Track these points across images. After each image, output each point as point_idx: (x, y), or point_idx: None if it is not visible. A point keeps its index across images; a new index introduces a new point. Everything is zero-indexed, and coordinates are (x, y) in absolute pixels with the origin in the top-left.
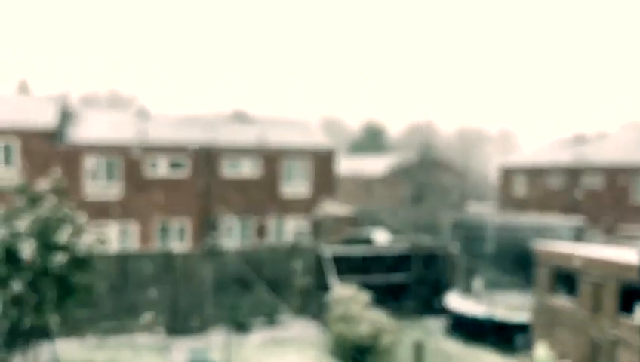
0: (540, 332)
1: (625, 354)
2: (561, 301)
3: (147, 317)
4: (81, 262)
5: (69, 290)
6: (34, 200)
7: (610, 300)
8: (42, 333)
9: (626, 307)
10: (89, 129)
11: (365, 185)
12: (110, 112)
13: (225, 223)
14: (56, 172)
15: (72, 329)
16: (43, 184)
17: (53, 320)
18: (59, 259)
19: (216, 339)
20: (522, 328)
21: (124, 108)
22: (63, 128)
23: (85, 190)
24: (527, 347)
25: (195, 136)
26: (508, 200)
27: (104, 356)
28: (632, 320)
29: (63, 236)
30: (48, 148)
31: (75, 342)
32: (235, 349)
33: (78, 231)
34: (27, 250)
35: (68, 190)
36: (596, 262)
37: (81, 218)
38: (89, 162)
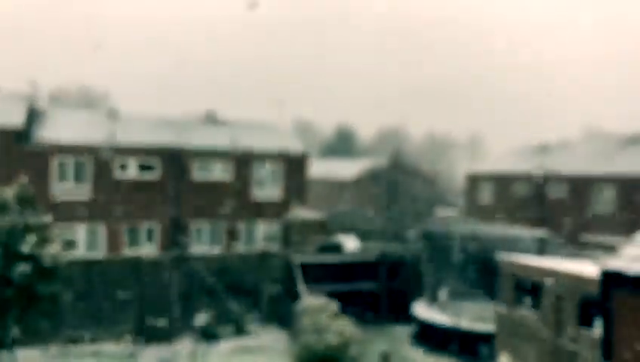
0: (503, 343)
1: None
2: (524, 312)
3: (114, 327)
4: (46, 272)
5: (32, 300)
6: None
7: (571, 313)
8: (3, 343)
9: (587, 320)
10: (58, 129)
11: (336, 188)
12: (80, 112)
13: (194, 227)
14: (22, 177)
15: (35, 338)
16: (8, 191)
17: (14, 330)
18: (22, 268)
19: (183, 348)
20: (487, 338)
21: (95, 107)
22: (30, 127)
23: (53, 191)
24: (491, 357)
25: (165, 138)
26: (474, 207)
27: None
28: (592, 333)
29: (27, 245)
30: (15, 148)
31: (37, 351)
32: (203, 358)
33: (43, 240)
34: None
35: (35, 193)
36: (557, 276)
37: (48, 220)
38: (57, 163)
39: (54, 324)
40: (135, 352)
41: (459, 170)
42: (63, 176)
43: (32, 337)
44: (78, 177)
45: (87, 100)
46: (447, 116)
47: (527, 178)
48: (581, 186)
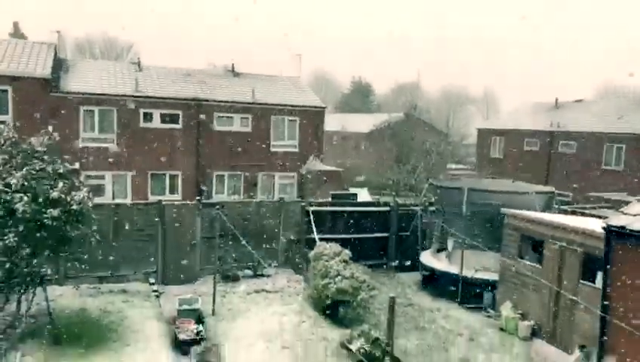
0: (506, 292)
1: (581, 315)
2: (527, 265)
3: (140, 267)
4: (74, 216)
5: (62, 242)
6: (27, 155)
7: (574, 267)
8: (36, 281)
9: (589, 274)
10: (84, 79)
11: (352, 142)
12: (105, 62)
13: (215, 177)
14: (50, 125)
15: (66, 278)
16: (36, 139)
17: (46, 269)
18: (52, 213)
19: (204, 289)
20: (490, 287)
21: (119, 57)
22: (57, 77)
23: (79, 140)
24: (494, 304)
25: (187, 90)
26: (486, 162)
27: (97, 302)
28: (593, 286)
29: (56, 191)
30: (43, 97)
31: (68, 290)
32: (222, 298)
33: (71, 186)
34: (20, 204)
35: (62, 141)
36: (562, 231)
37: (75, 167)
38: (83, 112)
39: (84, 265)
40: (159, 292)
41: (473, 125)
42: (89, 125)
43: (64, 277)
44: (104, 126)
45: (112, 49)
46: (463, 72)
47: (538, 134)
48: (592, 143)
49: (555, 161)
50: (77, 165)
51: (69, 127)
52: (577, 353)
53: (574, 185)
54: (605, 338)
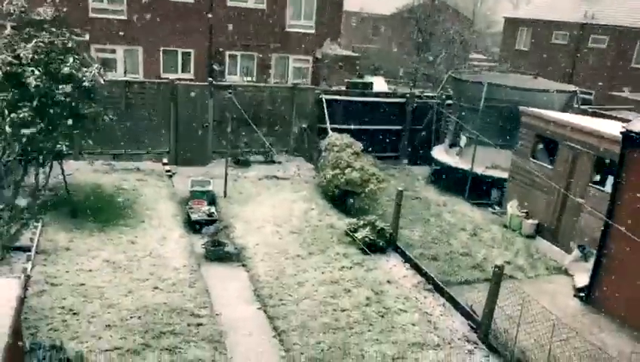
0: (514, 191)
1: (586, 218)
2: (539, 165)
3: (153, 147)
4: (86, 92)
5: (76, 119)
6: (37, 25)
7: (585, 170)
8: (53, 156)
9: (600, 179)
10: None
11: (372, 25)
12: None
13: (228, 57)
14: None
15: (81, 154)
16: (42, 10)
17: (62, 144)
18: (65, 89)
19: (215, 172)
20: (499, 184)
21: None
22: None
23: (89, 10)
24: (501, 202)
25: None
26: (511, 53)
27: (111, 179)
28: (602, 190)
29: (67, 66)
30: None
31: (84, 165)
32: (234, 182)
33: (82, 61)
34: (32, 78)
35: (70, 11)
36: (577, 132)
37: (85, 39)
38: None
39: (98, 142)
40: (171, 171)
41: (500, 12)
42: None
43: (79, 153)
44: None
45: None
46: None
47: (569, 26)
48: (625, 39)
49: (582, 56)
50: (87, 36)
51: None
52: (576, 251)
53: (599, 83)
54: (606, 241)
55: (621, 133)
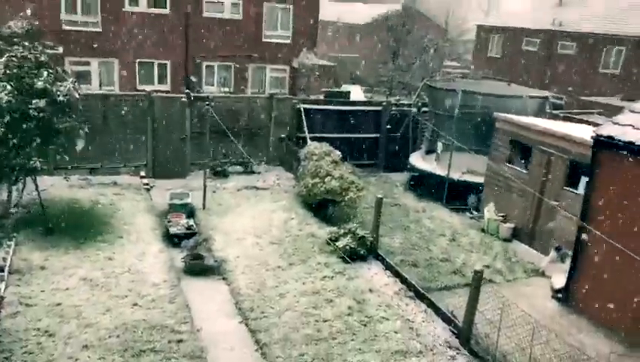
0: (491, 195)
1: (561, 220)
2: (514, 169)
3: (130, 160)
4: (61, 106)
5: (50, 134)
6: (7, 40)
7: (559, 173)
8: (27, 171)
9: (573, 182)
10: None
11: (347, 34)
12: None
13: (205, 67)
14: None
15: (56, 169)
16: (14, 24)
17: (36, 160)
18: (38, 104)
19: (194, 184)
20: (475, 189)
21: None
22: None
23: (62, 22)
24: (478, 206)
25: None
26: (483, 61)
27: (88, 194)
28: (575, 192)
29: (40, 81)
30: None
31: (59, 180)
32: (213, 193)
33: (56, 75)
34: (3, 94)
35: (43, 24)
36: (550, 137)
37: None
38: None
39: (73, 156)
40: (149, 184)
41: (472, 20)
42: (70, 6)
43: (54, 169)
44: (87, 8)
45: None
46: None
47: (538, 33)
48: (592, 45)
49: (552, 62)
50: (60, 49)
51: (49, 8)
52: (552, 253)
53: (570, 88)
54: (580, 241)
55: (592, 137)
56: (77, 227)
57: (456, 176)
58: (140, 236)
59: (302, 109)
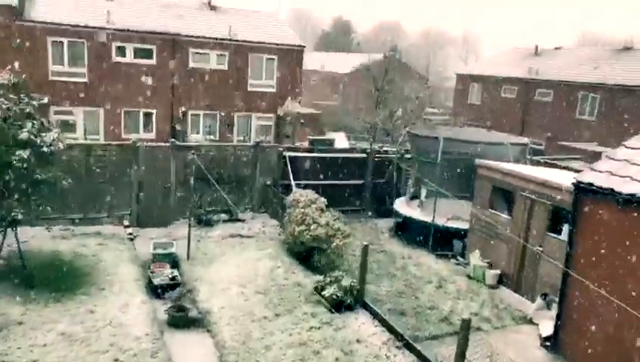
0: (476, 241)
1: (546, 266)
2: (497, 215)
3: (114, 210)
4: (44, 157)
5: (33, 185)
6: None
7: (542, 219)
8: (7, 223)
9: (556, 227)
10: (52, 7)
11: (331, 83)
12: None
13: (191, 116)
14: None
15: (37, 219)
16: (1, 76)
17: (17, 212)
18: (22, 155)
19: (179, 233)
20: (460, 235)
21: None
22: (23, 4)
23: (49, 73)
24: (463, 252)
25: (163, 24)
26: (463, 108)
27: (70, 245)
28: (559, 238)
29: (25, 133)
30: (8, 26)
31: (40, 231)
32: (197, 242)
33: (41, 126)
34: None
35: (29, 74)
36: (532, 183)
37: (44, 101)
38: (52, 44)
39: (56, 207)
40: (134, 234)
41: (452, 68)
42: (58, 58)
43: (35, 218)
44: (74, 60)
45: None
46: (445, 15)
47: (515, 81)
48: (567, 92)
49: (530, 108)
50: (46, 99)
51: (36, 59)
52: (539, 300)
53: (548, 134)
54: (566, 288)
55: (573, 183)
56: (58, 279)
57: (441, 222)
58: (122, 287)
59: (287, 157)
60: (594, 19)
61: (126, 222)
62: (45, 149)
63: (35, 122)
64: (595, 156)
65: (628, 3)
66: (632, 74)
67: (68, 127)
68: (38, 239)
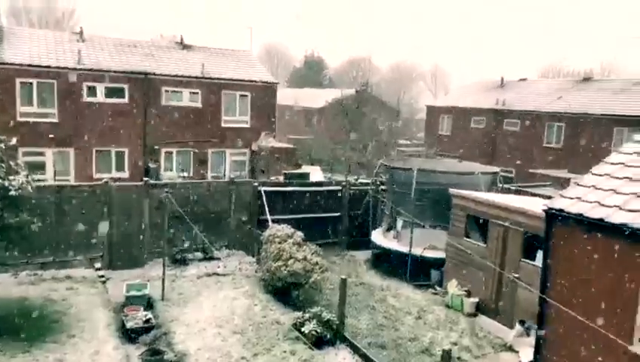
0: (452, 270)
1: (523, 293)
2: (473, 243)
3: (85, 252)
4: (12, 202)
5: (0, 231)
6: None
7: (516, 246)
8: None
9: (530, 253)
10: (21, 49)
11: (304, 117)
12: (44, 31)
13: (164, 154)
14: None
15: (3, 265)
16: None
17: None
18: None
19: (153, 273)
20: (437, 265)
21: (59, 23)
22: None
23: (18, 114)
24: (441, 282)
25: (134, 62)
26: (434, 139)
27: (39, 291)
28: (533, 265)
29: None
30: None
31: (7, 278)
32: (172, 282)
33: (8, 170)
34: None
35: None
36: (505, 211)
37: (12, 143)
38: (21, 85)
39: (24, 251)
40: (106, 276)
41: (423, 101)
42: (26, 99)
43: (1, 264)
44: (44, 100)
45: (51, 17)
46: (414, 49)
47: (484, 112)
48: (534, 122)
49: (500, 138)
50: (14, 140)
51: (5, 101)
52: (517, 327)
53: (518, 162)
54: (543, 314)
55: (544, 210)
56: (26, 328)
57: (418, 252)
58: (94, 334)
59: (262, 192)
60: (555, 53)
61: (97, 265)
62: (13, 193)
63: (2, 165)
64: (566, 182)
65: (585, 39)
66: (593, 102)
67: (37, 168)
68: (4, 286)
